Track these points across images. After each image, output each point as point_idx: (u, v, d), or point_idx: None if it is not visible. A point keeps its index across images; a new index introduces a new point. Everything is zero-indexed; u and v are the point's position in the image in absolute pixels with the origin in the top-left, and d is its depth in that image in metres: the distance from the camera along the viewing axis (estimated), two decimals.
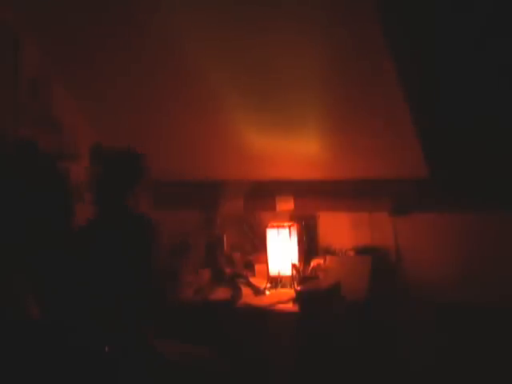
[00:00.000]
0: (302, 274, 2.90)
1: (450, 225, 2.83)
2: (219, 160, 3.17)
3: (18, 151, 2.29)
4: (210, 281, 2.94)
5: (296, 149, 2.95)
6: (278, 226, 2.96)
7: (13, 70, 2.80)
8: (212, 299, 2.79)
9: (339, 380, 2.57)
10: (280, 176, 3.12)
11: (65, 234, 2.16)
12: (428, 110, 2.57)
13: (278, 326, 2.60)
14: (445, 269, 2.82)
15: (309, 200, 3.13)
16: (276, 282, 2.90)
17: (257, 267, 3.07)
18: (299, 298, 2.65)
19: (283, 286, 2.88)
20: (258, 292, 2.84)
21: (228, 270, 3.02)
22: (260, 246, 3.08)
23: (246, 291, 2.83)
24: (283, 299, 2.71)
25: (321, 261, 2.97)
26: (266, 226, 2.99)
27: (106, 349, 2.13)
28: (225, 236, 3.21)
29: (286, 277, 2.88)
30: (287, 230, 2.93)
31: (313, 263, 2.97)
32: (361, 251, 2.96)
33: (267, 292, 2.85)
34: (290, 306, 2.65)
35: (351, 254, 2.98)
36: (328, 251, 3.04)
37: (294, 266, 2.88)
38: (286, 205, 3.17)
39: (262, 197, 3.22)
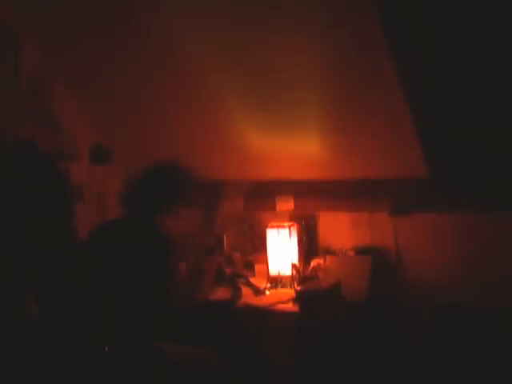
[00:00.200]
0: (302, 274, 2.89)
1: (450, 225, 2.83)
2: (219, 160, 3.17)
3: (17, 151, 2.29)
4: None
5: (296, 149, 2.95)
6: (278, 226, 2.96)
7: (13, 70, 2.80)
8: (212, 299, 2.78)
9: (339, 380, 2.57)
10: (280, 176, 3.12)
11: (65, 234, 2.16)
12: (428, 109, 2.56)
13: (277, 325, 2.60)
14: (445, 269, 2.82)
15: (309, 200, 3.12)
16: (276, 281, 2.90)
17: (257, 267, 3.07)
18: (299, 297, 2.65)
19: (283, 286, 2.87)
20: (258, 292, 2.83)
21: (228, 270, 3.02)
22: (260, 246, 3.08)
23: (246, 291, 2.83)
24: (283, 299, 2.70)
25: (321, 261, 2.97)
26: (266, 226, 2.99)
27: (106, 349, 2.13)
28: (225, 236, 3.21)
29: (286, 277, 2.88)
30: (287, 229, 2.93)
31: (313, 263, 2.97)
32: (361, 251, 2.96)
33: (267, 292, 2.85)
34: (290, 306, 2.65)
35: (351, 254, 2.98)
36: (328, 251, 3.04)
37: (293, 266, 2.88)
38: (285, 205, 3.17)
39: (262, 197, 3.21)
